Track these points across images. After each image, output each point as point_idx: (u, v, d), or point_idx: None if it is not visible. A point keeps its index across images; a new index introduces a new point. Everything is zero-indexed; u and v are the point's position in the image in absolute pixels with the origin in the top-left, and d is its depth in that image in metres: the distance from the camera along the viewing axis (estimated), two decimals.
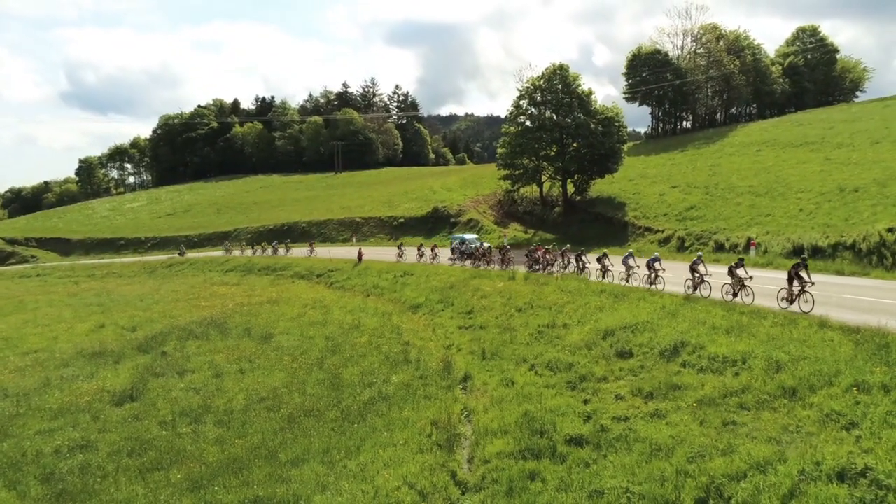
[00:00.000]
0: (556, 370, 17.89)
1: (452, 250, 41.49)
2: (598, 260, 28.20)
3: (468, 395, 17.91)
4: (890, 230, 26.23)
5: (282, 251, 56.10)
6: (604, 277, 27.20)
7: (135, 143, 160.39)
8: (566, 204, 51.45)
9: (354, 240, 58.57)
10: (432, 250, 41.90)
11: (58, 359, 24.46)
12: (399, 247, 45.80)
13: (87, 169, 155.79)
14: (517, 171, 51.23)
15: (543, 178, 52.22)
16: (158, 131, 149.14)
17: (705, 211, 39.80)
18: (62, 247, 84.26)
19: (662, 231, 39.23)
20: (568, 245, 33.54)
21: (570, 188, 51.64)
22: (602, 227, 45.42)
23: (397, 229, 60.18)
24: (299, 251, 54.81)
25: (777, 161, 47.96)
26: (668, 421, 13.25)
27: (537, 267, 31.99)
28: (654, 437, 12.58)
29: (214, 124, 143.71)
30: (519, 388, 16.98)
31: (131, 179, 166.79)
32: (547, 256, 32.00)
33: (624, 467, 11.85)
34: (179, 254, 63.66)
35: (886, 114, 57.80)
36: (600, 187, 51.56)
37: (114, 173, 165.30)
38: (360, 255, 45.38)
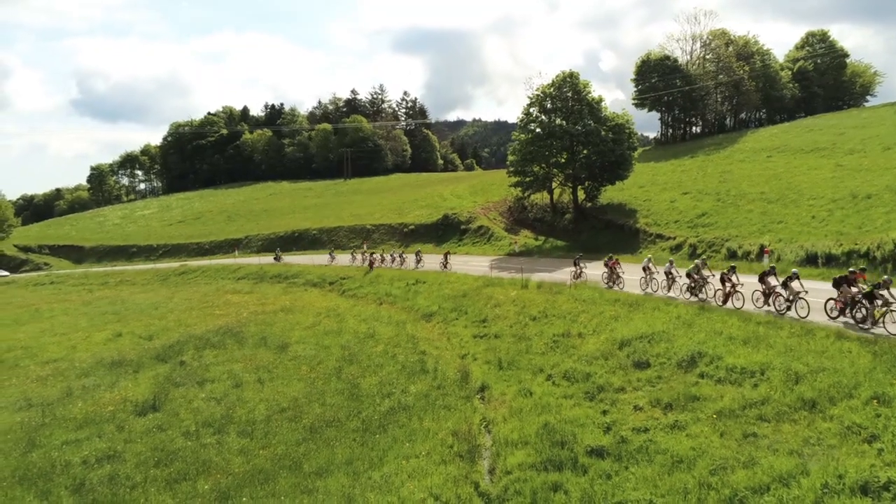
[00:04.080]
0: (573, 380, 18.04)
1: None
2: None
3: (486, 406, 18.09)
4: None
5: (410, 261, 45.18)
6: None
7: (145, 151, 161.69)
8: (577, 211, 51.54)
9: (365, 247, 58.83)
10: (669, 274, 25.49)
11: (78, 368, 24.81)
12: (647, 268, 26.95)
13: (98, 176, 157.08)
14: (528, 178, 51.23)
15: (554, 184, 52.31)
16: (168, 139, 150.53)
17: (717, 218, 39.82)
18: (75, 254, 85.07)
19: (674, 238, 39.25)
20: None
21: (581, 195, 51.71)
22: (613, 234, 45.48)
23: (408, 236, 60.40)
24: (431, 260, 44.29)
25: (788, 167, 47.93)
26: (688, 432, 13.37)
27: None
28: (674, 449, 12.71)
29: (224, 131, 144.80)
30: (537, 399, 17.13)
31: (142, 186, 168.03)
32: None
33: (646, 479, 11.98)
34: (276, 258, 58.23)
35: None
36: (611, 194, 51.64)
37: (124, 181, 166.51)
38: (371, 263, 45.64)
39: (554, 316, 24.82)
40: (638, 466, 12.54)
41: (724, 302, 21.61)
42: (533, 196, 54.54)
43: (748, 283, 21.93)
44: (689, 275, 23.52)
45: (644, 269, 27.06)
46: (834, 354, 14.87)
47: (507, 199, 59.33)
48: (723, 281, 21.87)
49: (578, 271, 30.93)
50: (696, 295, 23.30)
